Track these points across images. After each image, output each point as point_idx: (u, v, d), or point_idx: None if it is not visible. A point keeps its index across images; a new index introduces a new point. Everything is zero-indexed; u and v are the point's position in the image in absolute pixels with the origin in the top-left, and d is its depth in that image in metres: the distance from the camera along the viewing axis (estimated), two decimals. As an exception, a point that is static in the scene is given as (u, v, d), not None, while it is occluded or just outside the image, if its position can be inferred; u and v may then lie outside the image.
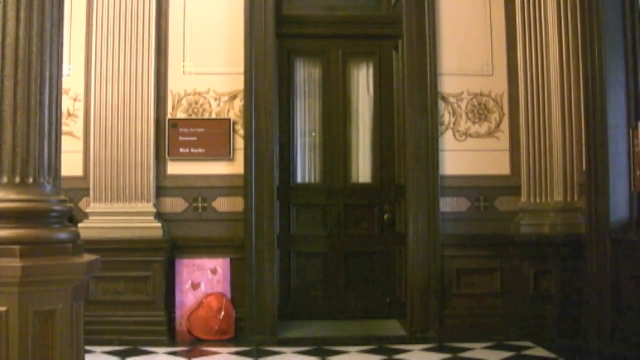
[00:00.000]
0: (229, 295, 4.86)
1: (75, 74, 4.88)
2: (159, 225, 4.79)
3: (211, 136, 4.93)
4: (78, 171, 4.83)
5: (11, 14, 2.34)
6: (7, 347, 2.18)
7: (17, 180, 2.33)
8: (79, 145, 4.86)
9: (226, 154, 4.94)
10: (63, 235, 2.39)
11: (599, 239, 4.15)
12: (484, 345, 4.54)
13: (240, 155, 4.93)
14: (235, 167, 4.94)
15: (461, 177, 5.00)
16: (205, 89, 4.98)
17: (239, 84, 4.95)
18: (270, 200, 4.90)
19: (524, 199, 4.96)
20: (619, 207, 4.08)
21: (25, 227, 2.30)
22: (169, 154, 4.92)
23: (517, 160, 5.01)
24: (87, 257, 2.47)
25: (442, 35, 5.05)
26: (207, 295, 4.82)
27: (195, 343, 4.69)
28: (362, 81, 5.61)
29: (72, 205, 2.40)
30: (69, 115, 4.85)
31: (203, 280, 4.85)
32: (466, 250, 4.96)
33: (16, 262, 2.22)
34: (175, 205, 4.92)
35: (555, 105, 4.84)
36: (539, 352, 4.41)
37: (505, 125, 5.06)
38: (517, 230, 4.93)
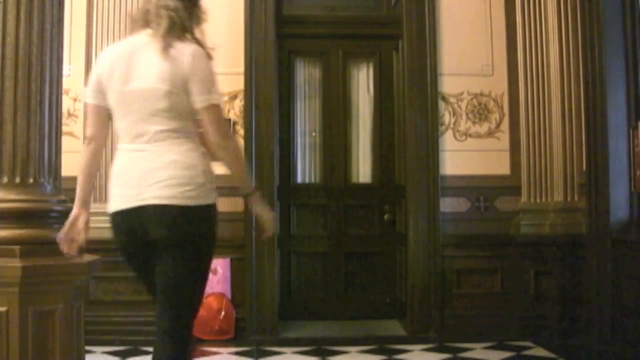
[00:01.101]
0: (229, 295, 4.86)
1: (75, 74, 4.87)
2: (159, 225, 4.78)
3: (211, 136, 4.91)
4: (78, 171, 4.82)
5: (11, 14, 2.35)
6: (7, 347, 2.18)
7: (17, 180, 2.33)
8: (79, 145, 4.83)
9: (226, 154, 4.92)
10: (63, 235, 2.39)
11: (599, 239, 4.14)
12: (484, 345, 4.54)
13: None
14: (235, 167, 4.93)
15: (461, 177, 4.99)
16: (205, 89, 4.97)
17: (239, 84, 4.95)
18: (270, 200, 4.89)
19: (524, 199, 4.96)
20: (619, 207, 4.08)
21: (25, 227, 2.31)
22: (169, 154, 4.91)
23: (517, 160, 5.00)
24: (87, 257, 2.47)
25: (442, 35, 5.05)
26: (207, 295, 4.81)
27: (195, 343, 4.69)
28: (362, 81, 5.61)
29: (72, 205, 2.39)
30: (69, 115, 4.85)
31: (203, 280, 4.85)
32: (466, 250, 4.96)
33: (16, 262, 2.23)
34: (175, 205, 4.91)
35: (555, 105, 4.83)
36: (539, 352, 4.41)
37: (505, 125, 5.06)
38: (517, 230, 4.93)
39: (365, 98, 5.59)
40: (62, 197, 2.47)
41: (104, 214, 4.83)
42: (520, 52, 4.99)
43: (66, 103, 4.67)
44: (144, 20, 2.30)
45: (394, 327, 5.14)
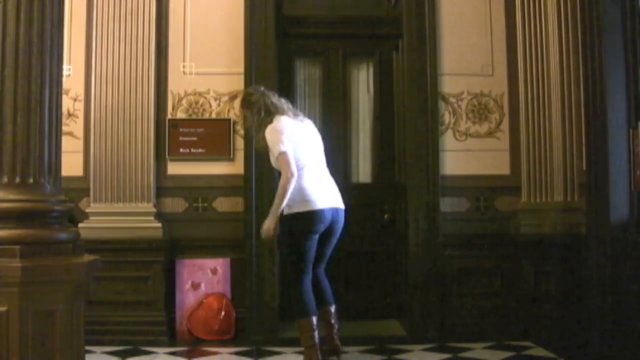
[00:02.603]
0: (229, 295, 4.87)
1: (75, 74, 4.88)
2: (159, 225, 4.79)
3: (211, 136, 4.93)
4: (78, 171, 4.83)
5: (11, 14, 2.34)
6: (7, 347, 2.18)
7: (17, 180, 2.33)
8: (79, 145, 4.86)
9: (226, 154, 4.94)
10: (63, 235, 2.40)
11: (599, 238, 4.14)
12: (484, 345, 4.54)
13: (240, 155, 4.93)
14: (235, 167, 4.94)
15: (461, 177, 5.00)
16: (205, 89, 4.98)
17: (239, 84, 4.95)
18: (270, 200, 4.88)
19: (524, 198, 4.96)
20: (619, 206, 4.07)
21: (25, 227, 2.31)
22: (169, 154, 4.92)
23: (517, 160, 5.00)
24: (87, 257, 2.47)
25: (442, 35, 5.05)
26: (207, 295, 4.82)
27: (195, 343, 4.69)
28: (362, 81, 5.61)
29: (72, 205, 2.40)
30: (69, 115, 4.85)
31: (203, 280, 4.85)
32: (466, 250, 4.96)
33: (16, 262, 2.22)
34: (175, 205, 4.92)
35: (555, 105, 4.83)
36: (539, 352, 4.41)
37: (505, 125, 5.06)
38: (517, 230, 4.93)
39: (365, 98, 5.59)
40: (62, 197, 2.47)
41: (103, 214, 4.87)
42: (520, 52, 5.00)
43: (66, 103, 4.68)
44: (281, 110, 3.99)
45: (394, 327, 5.14)
